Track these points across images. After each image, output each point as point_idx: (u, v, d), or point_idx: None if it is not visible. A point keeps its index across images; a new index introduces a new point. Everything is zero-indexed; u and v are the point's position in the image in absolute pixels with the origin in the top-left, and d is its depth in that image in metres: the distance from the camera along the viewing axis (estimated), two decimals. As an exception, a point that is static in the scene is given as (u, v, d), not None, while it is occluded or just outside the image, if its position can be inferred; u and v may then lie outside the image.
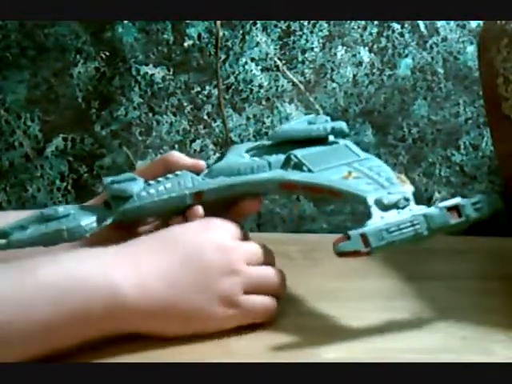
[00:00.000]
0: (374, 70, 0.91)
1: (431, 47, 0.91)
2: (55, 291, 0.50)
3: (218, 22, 0.89)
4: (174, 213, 0.63)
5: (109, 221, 0.61)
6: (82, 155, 0.93)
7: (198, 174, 0.64)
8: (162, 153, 0.92)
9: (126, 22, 0.90)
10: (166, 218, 0.63)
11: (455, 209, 0.55)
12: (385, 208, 0.55)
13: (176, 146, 0.92)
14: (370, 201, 0.56)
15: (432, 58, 0.91)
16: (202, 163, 0.65)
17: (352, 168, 0.61)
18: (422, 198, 0.93)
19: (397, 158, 0.92)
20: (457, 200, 0.56)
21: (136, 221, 0.65)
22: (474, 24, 0.89)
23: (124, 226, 0.64)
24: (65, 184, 0.93)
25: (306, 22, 0.90)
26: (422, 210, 0.55)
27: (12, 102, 0.92)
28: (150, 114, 0.92)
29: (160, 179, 0.63)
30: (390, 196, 0.56)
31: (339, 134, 0.67)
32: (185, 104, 0.92)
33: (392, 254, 0.60)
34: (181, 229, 0.59)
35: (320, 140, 0.66)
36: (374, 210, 0.55)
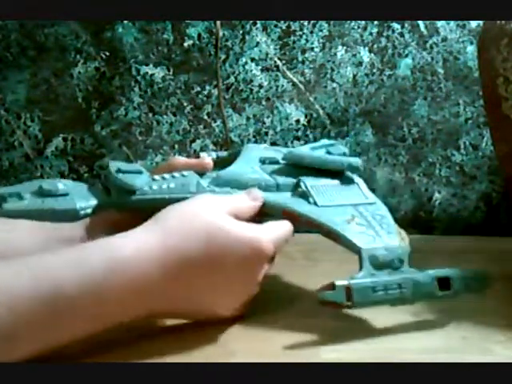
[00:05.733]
0: (374, 70, 0.91)
1: (431, 47, 0.91)
2: (85, 266, 0.49)
3: (218, 22, 0.89)
4: None
5: (105, 208, 0.60)
6: (82, 155, 0.93)
7: (203, 173, 0.64)
8: (162, 153, 0.92)
9: (126, 22, 0.90)
10: None
11: (445, 280, 0.56)
12: (377, 265, 0.55)
13: (176, 145, 0.92)
14: (365, 254, 0.56)
15: (432, 58, 0.91)
16: (206, 162, 0.65)
17: (357, 212, 0.61)
18: (422, 197, 0.93)
19: (397, 158, 0.92)
20: (449, 272, 0.56)
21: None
22: (474, 24, 0.89)
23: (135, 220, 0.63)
24: (65, 184, 0.93)
25: (306, 22, 0.90)
26: (413, 274, 0.55)
27: (12, 102, 0.92)
28: (150, 114, 0.92)
29: (166, 176, 0.63)
30: (385, 253, 0.56)
31: (353, 170, 0.66)
32: (185, 104, 0.92)
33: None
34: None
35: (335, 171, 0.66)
36: (366, 264, 0.55)
